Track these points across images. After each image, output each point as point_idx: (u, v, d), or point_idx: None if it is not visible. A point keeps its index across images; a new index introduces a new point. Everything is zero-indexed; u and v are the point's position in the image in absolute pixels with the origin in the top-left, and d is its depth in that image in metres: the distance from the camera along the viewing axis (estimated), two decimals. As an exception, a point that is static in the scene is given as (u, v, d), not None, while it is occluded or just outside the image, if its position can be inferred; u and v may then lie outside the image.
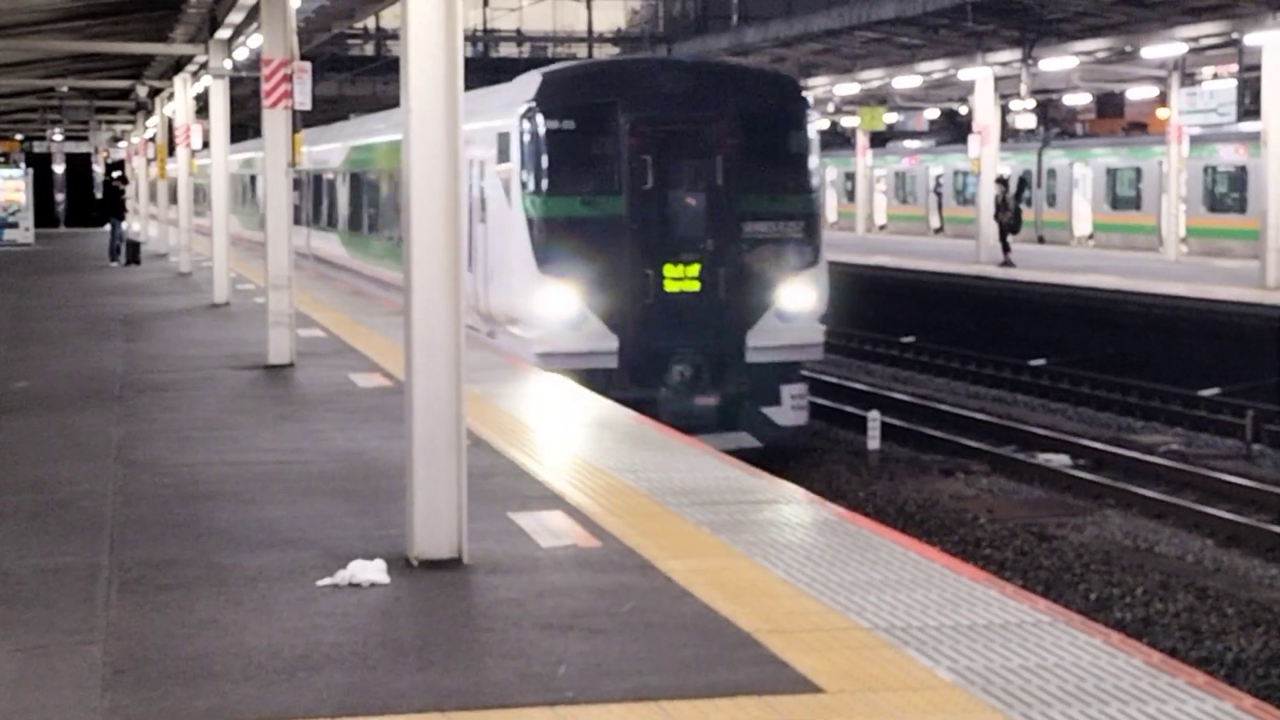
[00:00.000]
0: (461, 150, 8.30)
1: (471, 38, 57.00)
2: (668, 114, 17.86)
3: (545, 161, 17.75)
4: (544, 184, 17.72)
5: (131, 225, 41.11)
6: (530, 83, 18.58)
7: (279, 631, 7.10)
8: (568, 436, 12.16)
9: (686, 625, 7.15)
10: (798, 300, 18.13)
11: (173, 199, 43.48)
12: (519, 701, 6.12)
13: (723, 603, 7.48)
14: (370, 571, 7.94)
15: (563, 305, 17.45)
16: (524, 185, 17.76)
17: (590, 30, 60.51)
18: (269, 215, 17.37)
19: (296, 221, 35.06)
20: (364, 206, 28.78)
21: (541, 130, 17.72)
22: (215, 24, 23.92)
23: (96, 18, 26.48)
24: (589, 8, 60.87)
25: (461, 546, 8.27)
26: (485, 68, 47.90)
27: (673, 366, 17.63)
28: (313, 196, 34.22)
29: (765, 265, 18.00)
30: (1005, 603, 7.49)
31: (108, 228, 37.88)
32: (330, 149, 32.01)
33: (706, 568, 8.15)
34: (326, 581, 7.89)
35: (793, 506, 9.70)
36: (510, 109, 18.32)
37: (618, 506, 9.63)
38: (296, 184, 34.79)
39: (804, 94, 19.55)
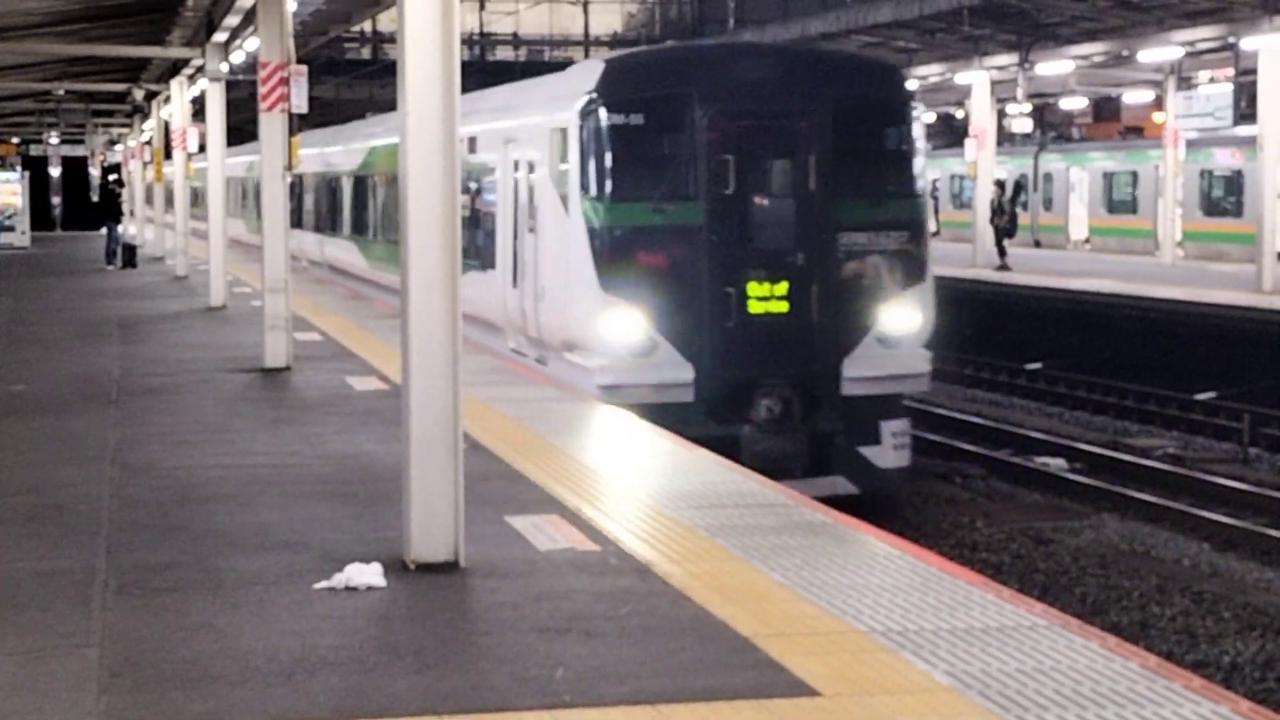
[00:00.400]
0: (458, 152, 8.28)
1: (468, 41, 57.04)
2: (751, 107, 15.65)
3: (609, 162, 15.48)
4: (607, 188, 15.44)
5: (128, 228, 41.08)
6: (590, 71, 16.43)
7: (275, 634, 7.10)
8: (565, 440, 12.15)
9: (684, 629, 7.15)
10: (901, 322, 15.81)
11: (169, 202, 43.47)
12: (516, 705, 6.12)
13: (720, 606, 7.48)
14: (367, 575, 7.94)
15: (629, 329, 15.17)
16: (584, 190, 15.49)
17: (586, 34, 60.56)
18: (265, 218, 17.35)
19: (310, 228, 33.66)
20: (387, 212, 26.30)
21: (604, 126, 15.43)
22: (212, 27, 23.91)
23: (93, 21, 26.46)
24: (585, 11, 60.93)
25: (458, 550, 8.27)
26: (482, 71, 47.91)
27: (757, 400, 15.23)
28: (328, 201, 32.00)
29: (864, 282, 15.73)
30: (1002, 606, 7.50)
31: (104, 231, 37.85)
32: (348, 150, 30.02)
33: (704, 571, 8.15)
34: (323, 585, 7.89)
35: (790, 510, 9.70)
36: (567, 102, 16.06)
37: (615, 510, 9.63)
38: (310, 187, 33.89)
39: (907, 83, 17.21)
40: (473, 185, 19.63)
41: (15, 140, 58.30)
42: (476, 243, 19.18)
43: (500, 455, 11.41)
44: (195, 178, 39.12)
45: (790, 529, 9.13)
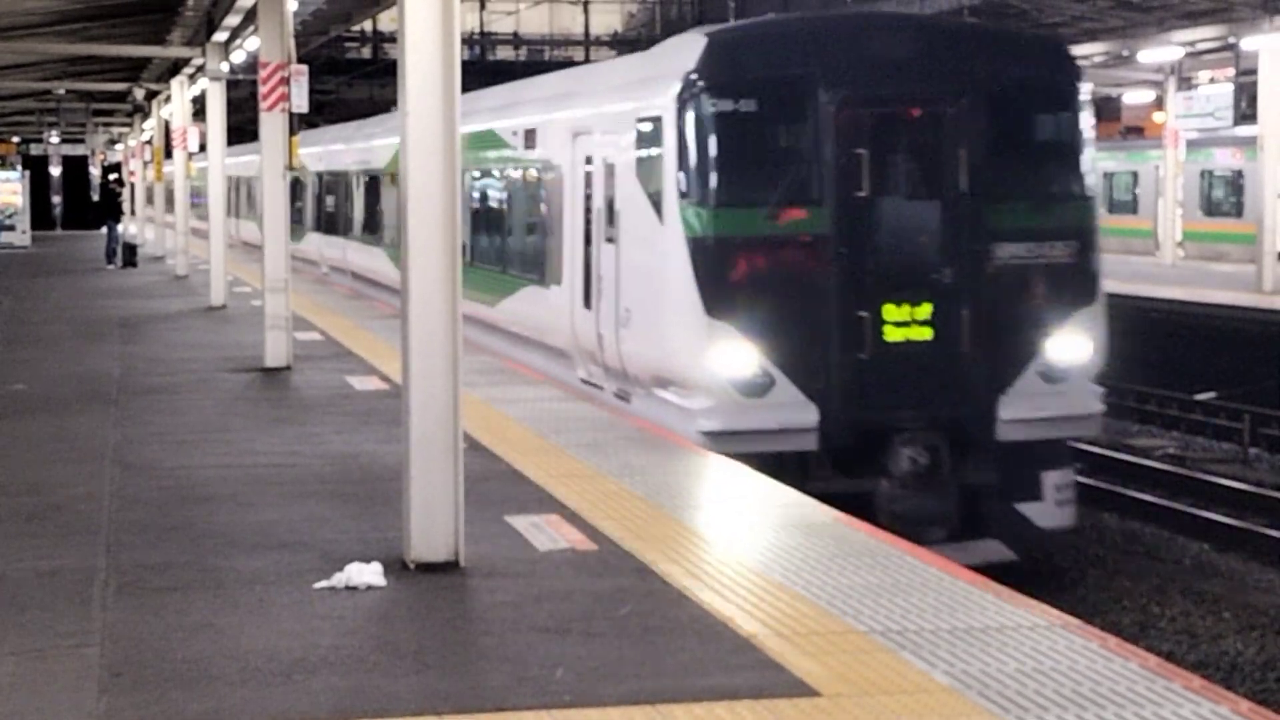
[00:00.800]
0: (459, 152, 8.28)
1: (468, 40, 57.02)
2: (889, 90, 13.09)
3: (714, 159, 12.88)
4: (713, 191, 12.83)
5: (128, 228, 41.10)
6: (690, 47, 13.51)
7: (276, 634, 7.10)
8: (565, 439, 12.15)
9: (684, 628, 7.15)
10: (1068, 352, 13.21)
11: (170, 202, 43.46)
12: (516, 705, 6.12)
13: (720, 606, 7.48)
14: (367, 574, 7.94)
15: (739, 362, 12.61)
16: (683, 193, 12.89)
17: (587, 33, 60.56)
18: (266, 218, 17.35)
19: (331, 231, 31.18)
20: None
21: (709, 114, 12.88)
22: (212, 27, 23.92)
23: (93, 20, 26.47)
24: (586, 11, 60.94)
25: (458, 549, 8.27)
26: (482, 70, 47.90)
27: (896, 448, 12.67)
28: (351, 202, 29.13)
29: (1025, 303, 13.12)
30: (1001, 606, 7.50)
31: (104, 230, 37.86)
32: (376, 146, 26.92)
33: (704, 571, 8.15)
34: (323, 584, 7.89)
35: (790, 510, 9.70)
36: (660, 85, 13.50)
37: (614, 510, 9.63)
38: (330, 188, 31.58)
39: (1077, 64, 14.20)
40: (528, 185, 17.60)
41: (16, 139, 58.33)
42: (534, 253, 17.04)
43: (500, 455, 11.41)
44: (197, 178, 39.03)
45: (789, 528, 9.13)
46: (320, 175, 32.65)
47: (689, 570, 8.16)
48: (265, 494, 10.27)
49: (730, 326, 12.60)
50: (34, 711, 6.10)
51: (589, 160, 15.03)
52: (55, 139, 58.25)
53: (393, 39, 47.69)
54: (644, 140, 13.65)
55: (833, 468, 12.77)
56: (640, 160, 13.73)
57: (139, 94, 38.55)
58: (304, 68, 16.82)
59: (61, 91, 40.72)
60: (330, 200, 31.63)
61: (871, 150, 12.83)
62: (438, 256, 8.22)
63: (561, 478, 10.62)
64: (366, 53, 57.95)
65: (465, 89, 8.76)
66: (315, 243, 32.97)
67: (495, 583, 7.97)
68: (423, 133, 8.19)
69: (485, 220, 19.70)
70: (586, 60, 53.62)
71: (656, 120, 13.35)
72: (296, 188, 34.46)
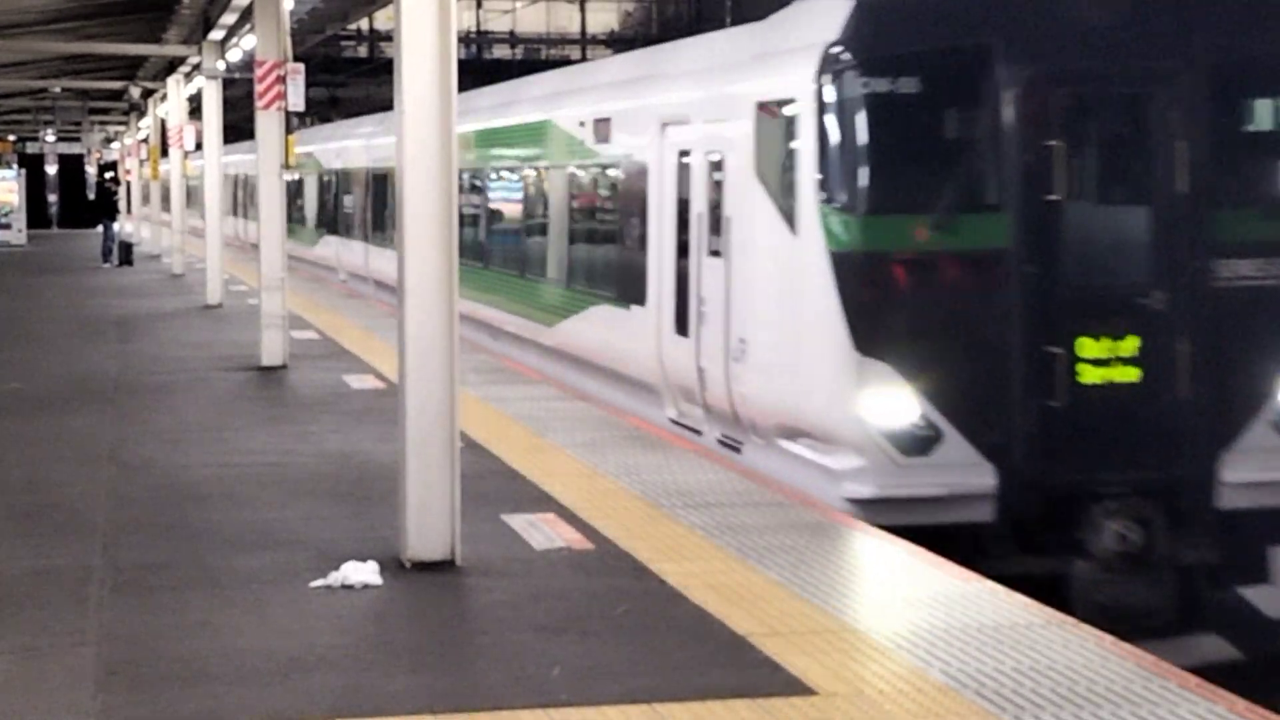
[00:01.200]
0: (455, 150, 8.28)
1: (465, 39, 56.99)
2: (1088, 65, 10.43)
3: (867, 151, 10.28)
4: (864, 192, 10.24)
5: (124, 226, 41.10)
6: (830, 11, 10.76)
7: (272, 633, 7.10)
8: (561, 438, 12.15)
9: (680, 628, 7.16)
10: None
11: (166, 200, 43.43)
12: (512, 704, 6.12)
13: (716, 605, 7.48)
14: (363, 573, 7.94)
15: (897, 411, 10.07)
16: (825, 196, 10.34)
17: (584, 32, 60.54)
18: (262, 217, 17.36)
19: (350, 234, 28.32)
20: (468, 222, 19.98)
21: (859, 95, 10.29)
22: (208, 25, 23.94)
23: (90, 19, 26.48)
24: (582, 10, 60.94)
25: (454, 548, 8.27)
26: (478, 69, 47.90)
27: (1098, 520, 10.05)
28: (374, 202, 26.68)
29: (1257, 335, 10.48)
30: (998, 604, 7.50)
31: (100, 229, 37.85)
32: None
33: (700, 570, 8.15)
34: (319, 583, 7.89)
35: (787, 509, 9.70)
36: (789, 60, 11.01)
37: (611, 509, 9.63)
38: (349, 187, 29.10)
39: None
40: (599, 186, 15.43)
41: (12, 138, 58.38)
42: (607, 266, 14.95)
43: (497, 454, 11.42)
44: (195, 176, 38.99)
45: (786, 528, 9.14)
46: (338, 173, 30.55)
47: (685, 569, 8.16)
48: (261, 493, 10.27)
49: (885, 365, 10.05)
50: (30, 710, 6.10)
51: (684, 155, 12.76)
52: (51, 137, 58.26)
53: (389, 38, 47.68)
54: (768, 130, 11.17)
55: (1015, 544, 10.06)
56: (762, 154, 11.26)
57: (135, 92, 38.55)
58: (300, 66, 16.82)
59: (58, 90, 40.74)
60: (349, 200, 29.29)
61: (1066, 141, 10.25)
62: (434, 255, 8.22)
63: (558, 476, 10.62)
64: (363, 51, 57.94)
65: (461, 89, 8.76)
66: (332, 246, 31.08)
67: (492, 582, 7.97)
68: (419, 131, 8.19)
69: (541, 227, 17.25)
70: (583, 59, 53.55)
71: (787, 105, 10.89)
72: (311, 186, 33.48)
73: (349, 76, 53.76)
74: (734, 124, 11.69)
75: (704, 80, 12.82)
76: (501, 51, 61.60)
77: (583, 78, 17.26)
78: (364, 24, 53.06)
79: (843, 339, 10.13)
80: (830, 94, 10.36)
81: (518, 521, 9.25)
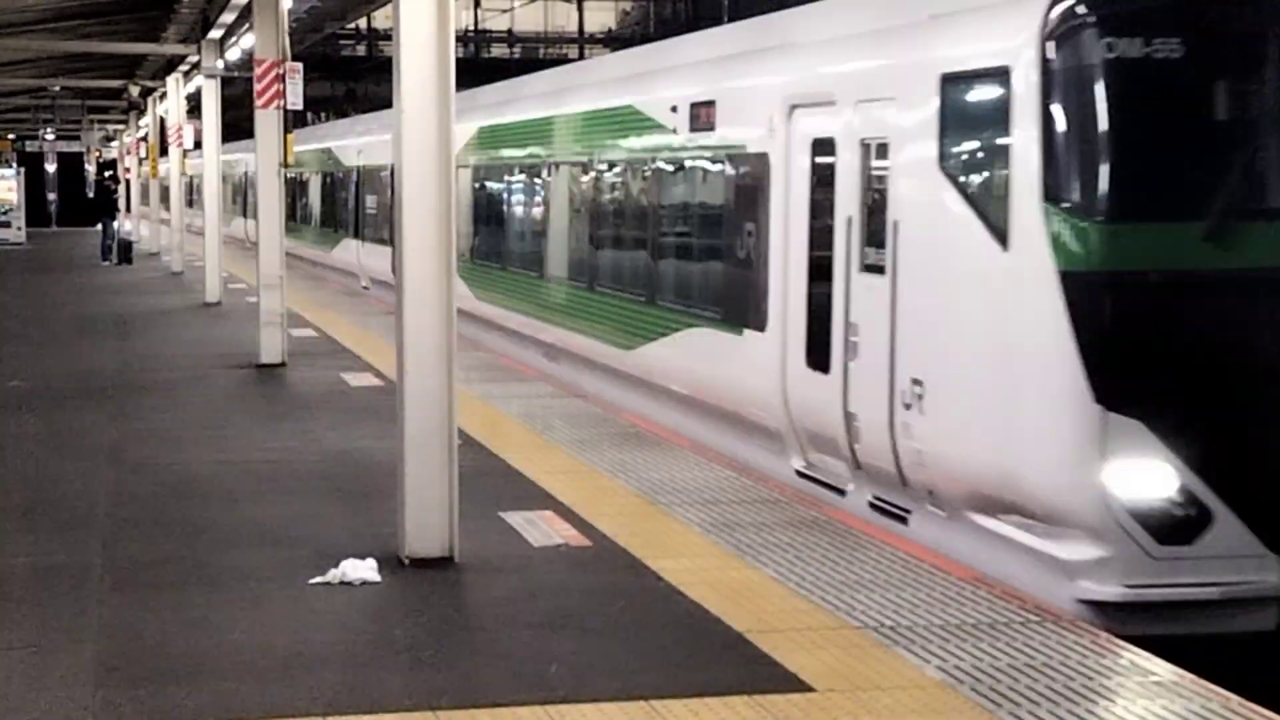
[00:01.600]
0: (453, 148, 8.30)
1: (463, 38, 56.98)
2: None
3: (1113, 139, 7.96)
4: (1107, 194, 7.95)
5: (123, 224, 41.12)
6: None
7: (271, 630, 7.12)
8: (559, 436, 12.17)
9: (678, 624, 7.17)
10: None
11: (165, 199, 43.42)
12: (510, 700, 6.14)
13: (714, 602, 7.50)
14: (362, 570, 7.96)
15: (1154, 485, 7.85)
16: (1053, 197, 8.00)
17: (581, 31, 60.53)
18: (261, 216, 17.37)
19: (377, 238, 25.99)
20: (518, 225, 18.14)
21: (1100, 62, 7.94)
22: (207, 24, 23.96)
23: (89, 17, 26.50)
24: (580, 9, 60.91)
25: (453, 545, 8.29)
26: (476, 69, 47.90)
27: None
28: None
29: None
30: (993, 602, 7.52)
31: (100, 227, 37.86)
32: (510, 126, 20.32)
33: (698, 567, 8.17)
34: (318, 580, 7.91)
35: (784, 506, 9.72)
36: (995, 16, 8.70)
37: (609, 506, 9.65)
38: (374, 185, 26.94)
39: None
40: (697, 182, 12.99)
41: (11, 136, 58.35)
42: (710, 281, 12.56)
43: (495, 451, 11.43)
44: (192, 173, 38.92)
45: (783, 525, 9.15)
46: (360, 171, 28.36)
47: (683, 566, 8.18)
48: (260, 490, 10.28)
49: (1138, 424, 7.80)
50: (30, 706, 6.12)
51: (819, 146, 10.50)
52: (51, 136, 58.24)
53: (388, 37, 47.66)
54: (961, 110, 8.83)
55: None
56: (952, 142, 8.89)
57: (134, 91, 38.55)
58: (299, 65, 16.84)
59: (57, 88, 40.72)
60: (372, 200, 26.99)
61: None
62: (432, 253, 8.24)
63: (556, 474, 10.63)
64: (362, 50, 57.94)
65: (459, 88, 8.78)
66: (353, 250, 28.92)
67: (490, 578, 7.99)
68: (417, 130, 8.21)
69: (619, 231, 14.94)
70: (581, 59, 53.47)
71: (993, 77, 8.47)
72: (330, 185, 32.05)
73: (366, 69, 53.64)
74: (906, 104, 9.28)
75: (855, 49, 10.26)
76: (499, 51, 61.57)
77: (669, 56, 14.58)
78: (363, 23, 53.06)
79: (1079, 388, 7.84)
80: (1060, 60, 8.01)
81: (516, 518, 9.26)
